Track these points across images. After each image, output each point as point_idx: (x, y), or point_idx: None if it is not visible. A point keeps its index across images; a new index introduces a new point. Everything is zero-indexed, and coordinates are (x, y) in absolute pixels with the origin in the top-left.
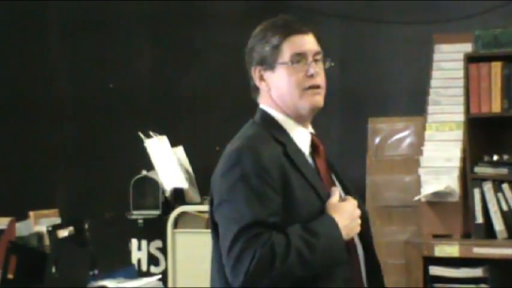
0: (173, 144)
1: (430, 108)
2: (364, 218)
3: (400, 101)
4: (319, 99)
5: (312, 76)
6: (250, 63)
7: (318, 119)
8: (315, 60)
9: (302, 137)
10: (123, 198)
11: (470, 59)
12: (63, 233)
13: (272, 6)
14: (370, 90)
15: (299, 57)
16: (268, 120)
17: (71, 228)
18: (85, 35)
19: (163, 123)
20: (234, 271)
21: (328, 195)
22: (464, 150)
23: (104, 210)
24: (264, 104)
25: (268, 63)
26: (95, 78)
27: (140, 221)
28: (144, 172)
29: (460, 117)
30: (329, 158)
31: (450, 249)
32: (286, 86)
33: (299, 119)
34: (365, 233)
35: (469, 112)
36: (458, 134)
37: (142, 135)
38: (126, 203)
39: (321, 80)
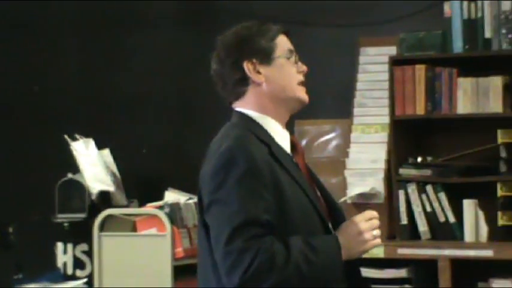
0: (99, 147)
1: (356, 111)
2: (341, 215)
3: (326, 104)
4: (307, 95)
5: (303, 72)
6: (238, 57)
7: None
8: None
9: (282, 137)
10: (49, 201)
11: (395, 62)
12: None
13: (201, 8)
14: None
15: (291, 54)
16: (248, 121)
17: None
18: (7, 36)
19: (90, 126)
20: (231, 271)
21: (314, 195)
22: (389, 152)
23: (29, 214)
24: (245, 103)
25: (266, 56)
26: (19, 81)
27: (66, 224)
28: (70, 175)
29: (386, 120)
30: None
31: (375, 250)
32: (284, 79)
33: (279, 117)
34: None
35: (394, 114)
36: (384, 136)
37: (68, 138)
38: (52, 206)
39: None
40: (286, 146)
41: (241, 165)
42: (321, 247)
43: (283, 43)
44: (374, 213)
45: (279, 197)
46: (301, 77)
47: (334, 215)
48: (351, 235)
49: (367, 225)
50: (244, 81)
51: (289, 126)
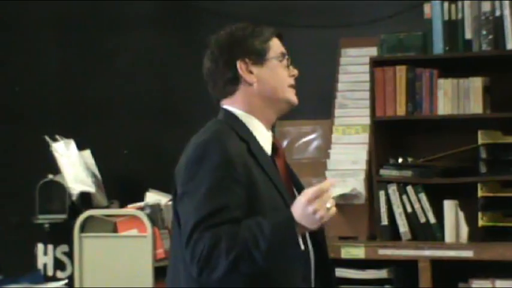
0: (80, 148)
1: (337, 112)
2: None
3: (307, 105)
4: (296, 97)
5: (293, 76)
6: (231, 56)
7: None
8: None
9: (264, 137)
10: (29, 202)
11: (376, 63)
12: None
13: (181, 9)
14: None
15: (283, 57)
16: (232, 119)
17: None
18: None
19: (70, 127)
20: (191, 262)
21: (290, 196)
22: (370, 153)
23: (8, 215)
24: (234, 101)
25: (259, 57)
26: (0, 81)
27: (46, 225)
28: (51, 176)
29: (366, 120)
30: (287, 162)
31: (356, 251)
32: (276, 80)
33: (265, 118)
34: (317, 233)
35: (375, 115)
36: (365, 137)
37: (48, 139)
38: (32, 207)
39: None
40: (267, 146)
41: (214, 159)
42: (272, 221)
43: (276, 46)
44: (324, 187)
45: (251, 194)
46: (291, 81)
47: None
48: (304, 215)
49: (319, 204)
50: (235, 80)
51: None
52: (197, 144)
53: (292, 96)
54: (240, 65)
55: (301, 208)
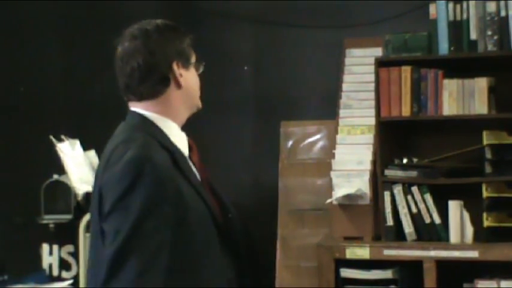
0: (85, 148)
1: (342, 112)
2: (237, 220)
3: (312, 105)
4: None
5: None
6: (165, 56)
7: (230, 121)
8: None
9: (180, 139)
10: (34, 202)
11: (381, 63)
12: None
13: (183, 9)
14: (282, 94)
15: (198, 62)
16: (149, 126)
17: None
18: None
19: (75, 127)
20: (108, 279)
21: (210, 200)
22: (375, 154)
23: (13, 215)
24: (146, 106)
25: (186, 60)
26: (5, 82)
27: (51, 225)
28: (56, 176)
29: (371, 121)
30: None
31: (361, 252)
32: (195, 85)
33: (180, 120)
34: (239, 234)
35: (380, 116)
36: (370, 137)
37: (53, 139)
38: (37, 208)
39: None
40: (184, 147)
41: (146, 177)
42: None
43: (193, 52)
44: None
45: (180, 208)
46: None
47: (225, 214)
48: None
49: None
50: (167, 81)
51: (275, 127)
52: (128, 160)
53: (199, 101)
54: (175, 67)
55: None
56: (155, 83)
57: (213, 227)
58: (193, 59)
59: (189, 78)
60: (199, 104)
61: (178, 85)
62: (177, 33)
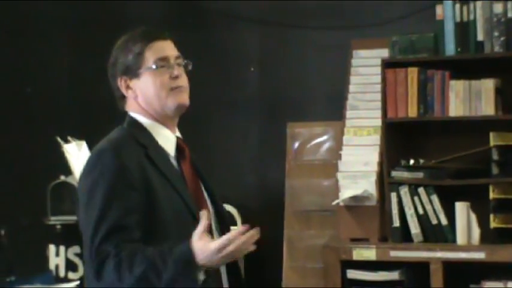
0: (92, 149)
1: (348, 113)
2: (224, 219)
3: (318, 106)
4: (185, 97)
5: (176, 77)
6: (114, 75)
7: (236, 122)
8: (177, 64)
9: (167, 140)
10: (41, 203)
11: (387, 64)
12: None
13: (191, 10)
14: (288, 95)
15: (162, 62)
16: (134, 125)
17: None
18: (0, 38)
19: (82, 128)
20: (94, 275)
21: (192, 197)
22: (381, 155)
23: (20, 216)
24: (132, 111)
25: (133, 71)
26: (12, 83)
27: (58, 226)
28: (63, 177)
29: (378, 122)
30: (196, 163)
31: (367, 253)
32: (153, 89)
33: (166, 122)
34: (223, 229)
35: (386, 117)
36: (376, 138)
37: (60, 140)
38: (44, 209)
39: (184, 81)
40: (169, 148)
41: (106, 166)
42: (172, 264)
43: (153, 53)
44: (233, 237)
45: (149, 197)
46: (176, 83)
47: (221, 219)
48: (211, 260)
49: (227, 252)
50: (122, 95)
51: (281, 128)
52: (92, 154)
53: (174, 99)
54: (120, 83)
55: (209, 255)
56: (117, 98)
57: (190, 221)
58: (146, 65)
59: (141, 86)
60: (168, 104)
61: (130, 97)
62: (123, 48)
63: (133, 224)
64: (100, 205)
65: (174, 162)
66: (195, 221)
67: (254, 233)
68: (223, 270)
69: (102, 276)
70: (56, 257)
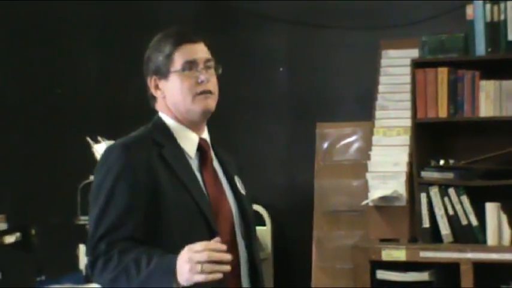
0: None
1: (378, 113)
2: (248, 220)
3: (348, 106)
4: (210, 102)
5: (202, 82)
6: (146, 73)
7: (266, 123)
8: (207, 67)
9: (189, 141)
10: (71, 203)
11: (417, 65)
12: (10, 239)
13: (220, 10)
14: (317, 95)
15: (190, 65)
16: (158, 124)
17: (18, 234)
18: (31, 40)
19: (112, 129)
20: (91, 272)
21: (209, 198)
22: (411, 155)
23: (50, 216)
24: (161, 110)
25: (163, 72)
26: (42, 83)
27: (88, 226)
28: (92, 177)
29: (407, 122)
30: (225, 164)
31: (397, 254)
32: (179, 93)
33: (191, 124)
34: (246, 230)
35: (416, 117)
36: (406, 138)
37: (90, 140)
38: (74, 209)
39: (212, 85)
40: (189, 148)
41: (112, 166)
42: (155, 267)
43: (181, 56)
44: (216, 246)
45: (154, 197)
46: (200, 88)
47: (245, 220)
48: (181, 260)
49: (199, 256)
50: (153, 95)
51: (311, 128)
52: (104, 151)
53: (199, 105)
54: (149, 82)
55: (184, 258)
56: (149, 97)
57: (201, 222)
58: (174, 67)
59: (169, 87)
60: (192, 109)
61: (159, 97)
62: (156, 48)
63: (132, 223)
64: (101, 204)
65: (194, 162)
66: (206, 221)
67: (224, 247)
68: (244, 273)
69: (94, 274)
70: (86, 257)
